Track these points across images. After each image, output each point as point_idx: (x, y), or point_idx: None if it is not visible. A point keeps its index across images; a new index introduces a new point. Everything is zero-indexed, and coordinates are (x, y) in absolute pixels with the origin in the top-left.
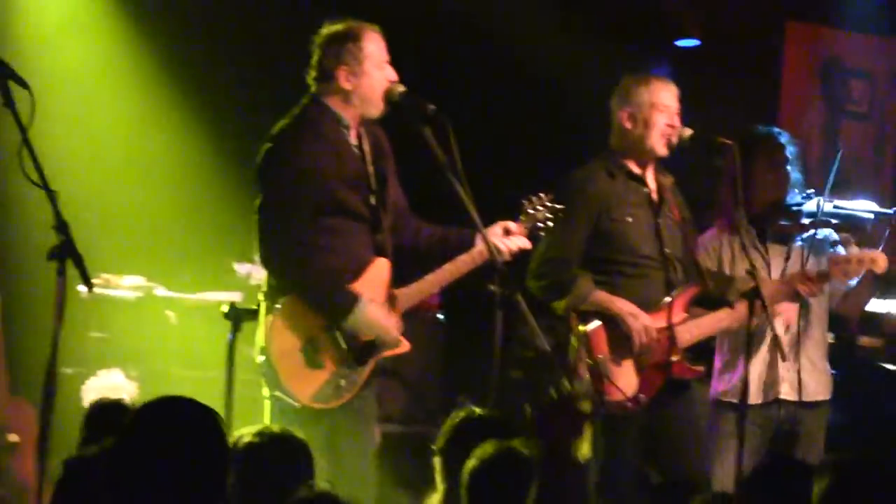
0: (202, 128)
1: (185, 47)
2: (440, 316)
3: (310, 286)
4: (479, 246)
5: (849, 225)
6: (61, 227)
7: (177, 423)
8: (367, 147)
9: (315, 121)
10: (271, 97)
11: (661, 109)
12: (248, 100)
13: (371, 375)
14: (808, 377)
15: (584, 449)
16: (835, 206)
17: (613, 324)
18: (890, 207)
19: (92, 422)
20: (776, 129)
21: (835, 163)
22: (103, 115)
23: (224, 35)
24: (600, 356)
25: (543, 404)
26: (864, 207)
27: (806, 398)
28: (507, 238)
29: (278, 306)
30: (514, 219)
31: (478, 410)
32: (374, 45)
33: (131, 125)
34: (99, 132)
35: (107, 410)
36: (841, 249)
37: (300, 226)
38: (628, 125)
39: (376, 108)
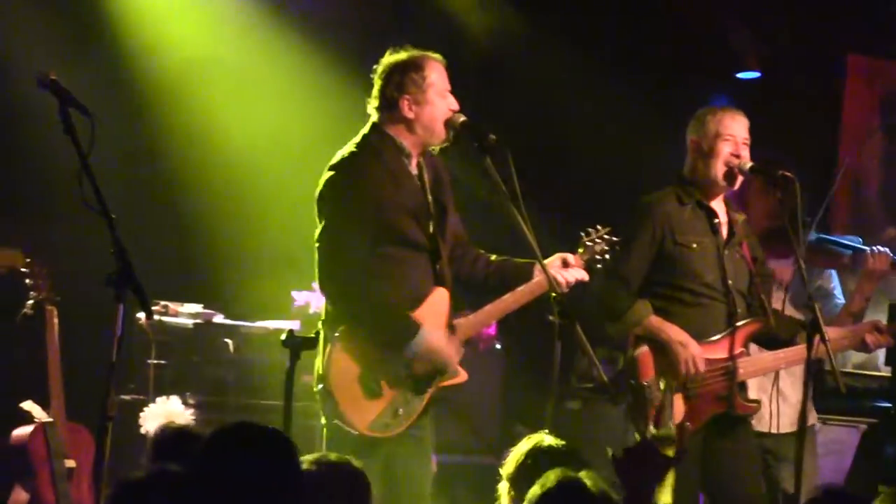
0: (257, 156)
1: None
2: (498, 346)
3: (370, 314)
4: (538, 277)
5: (827, 256)
6: (120, 253)
7: (252, 448)
8: (427, 176)
9: (377, 150)
10: (331, 127)
11: (726, 139)
12: (309, 128)
13: (428, 404)
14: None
15: (666, 496)
16: (819, 238)
17: (662, 350)
18: None
19: (158, 447)
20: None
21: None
22: (161, 141)
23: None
24: (646, 382)
25: (627, 448)
26: (848, 241)
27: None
28: (566, 270)
29: (337, 335)
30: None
31: (549, 440)
32: (436, 74)
33: (187, 153)
34: (156, 159)
35: (173, 437)
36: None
37: (360, 254)
38: (697, 154)
39: (438, 138)
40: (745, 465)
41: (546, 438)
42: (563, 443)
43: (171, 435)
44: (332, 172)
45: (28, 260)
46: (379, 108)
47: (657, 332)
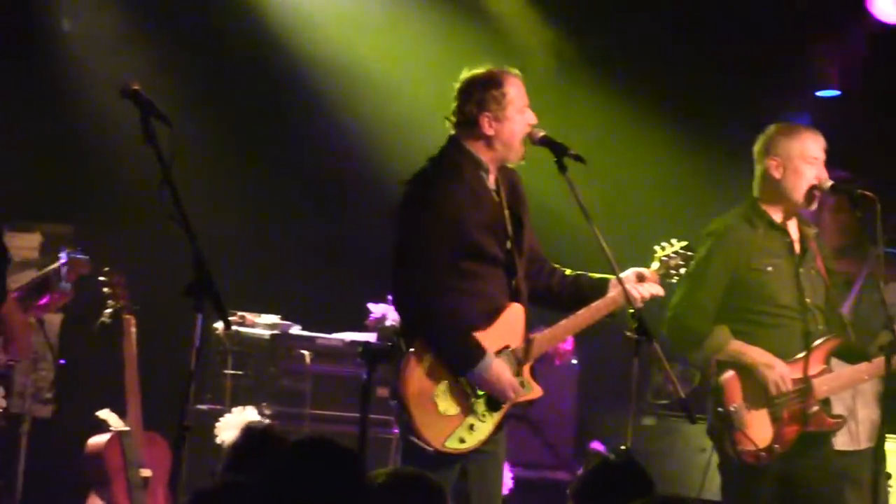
0: (335, 171)
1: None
2: (574, 361)
3: (438, 333)
4: (613, 292)
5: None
6: (199, 263)
7: (320, 464)
8: (504, 192)
9: (456, 165)
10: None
11: (810, 161)
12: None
13: (503, 420)
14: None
15: None
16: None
17: (748, 374)
18: None
19: (240, 449)
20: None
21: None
22: (240, 153)
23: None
24: (733, 407)
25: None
26: None
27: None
28: (641, 284)
29: (412, 349)
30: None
31: (614, 457)
32: (515, 90)
33: (268, 166)
34: (236, 171)
35: (257, 438)
36: None
37: (435, 270)
38: (776, 175)
39: (516, 153)
40: (829, 484)
41: (613, 455)
42: (630, 460)
43: (256, 436)
44: (410, 187)
45: (106, 269)
46: (458, 125)
47: (740, 357)
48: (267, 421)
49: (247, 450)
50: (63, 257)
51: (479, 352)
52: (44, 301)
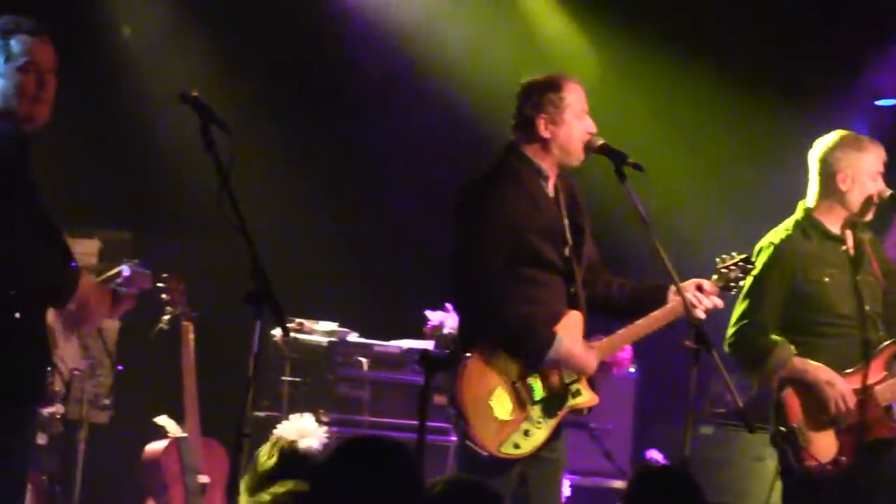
0: (393, 178)
1: None
2: (632, 370)
3: (505, 327)
4: (673, 303)
5: None
6: (259, 271)
7: (374, 463)
8: (562, 199)
9: (514, 170)
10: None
11: (874, 177)
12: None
13: (561, 427)
14: None
15: None
16: None
17: (809, 390)
18: None
19: (279, 465)
20: None
21: None
22: (290, 160)
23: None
24: (796, 424)
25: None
26: None
27: None
28: (701, 295)
29: (469, 354)
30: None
31: (663, 464)
32: (574, 96)
33: (328, 173)
34: (295, 178)
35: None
36: None
37: (495, 273)
38: (843, 187)
39: (575, 159)
40: (894, 489)
41: (655, 462)
42: (679, 467)
43: (285, 456)
44: (468, 192)
45: (164, 275)
46: (516, 128)
47: (802, 374)
48: (319, 437)
49: (276, 469)
50: (126, 271)
51: (549, 334)
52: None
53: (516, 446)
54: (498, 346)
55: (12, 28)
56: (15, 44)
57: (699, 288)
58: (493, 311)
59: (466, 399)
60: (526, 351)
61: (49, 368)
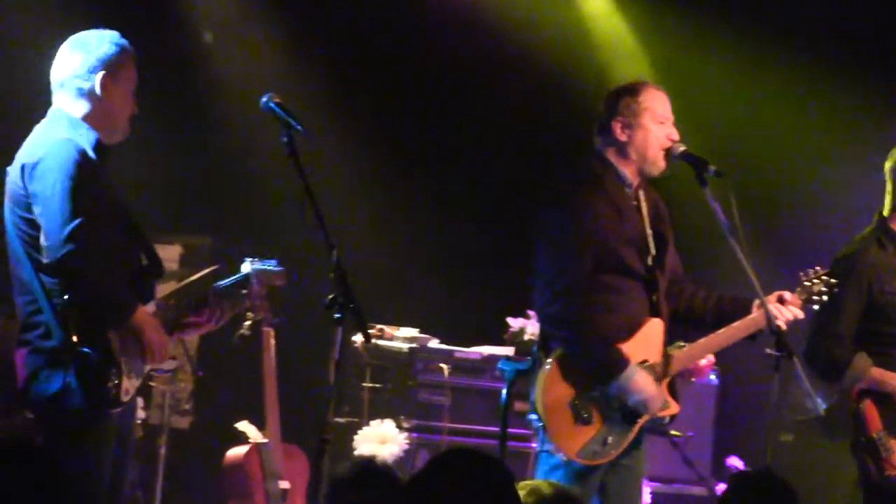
0: (473, 184)
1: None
2: (713, 377)
3: (582, 343)
4: (755, 314)
5: None
6: (341, 277)
7: (471, 477)
8: (646, 208)
9: (597, 175)
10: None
11: None
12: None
13: (640, 435)
14: None
15: None
16: None
17: (887, 400)
18: None
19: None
20: None
21: None
22: (372, 165)
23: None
24: (876, 434)
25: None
26: None
27: None
28: (783, 306)
29: (550, 359)
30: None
31: (761, 469)
32: (652, 101)
33: (403, 176)
34: (371, 182)
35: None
36: None
37: (578, 281)
38: None
39: (654, 165)
40: None
41: (738, 469)
42: (769, 474)
43: (363, 470)
44: (551, 198)
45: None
46: (597, 133)
47: (882, 385)
48: (399, 443)
49: (350, 483)
50: (247, 268)
51: (622, 361)
52: (201, 319)
53: (595, 454)
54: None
55: (116, 46)
56: (117, 62)
57: (781, 299)
58: (571, 323)
59: (546, 402)
60: (594, 371)
61: (115, 371)
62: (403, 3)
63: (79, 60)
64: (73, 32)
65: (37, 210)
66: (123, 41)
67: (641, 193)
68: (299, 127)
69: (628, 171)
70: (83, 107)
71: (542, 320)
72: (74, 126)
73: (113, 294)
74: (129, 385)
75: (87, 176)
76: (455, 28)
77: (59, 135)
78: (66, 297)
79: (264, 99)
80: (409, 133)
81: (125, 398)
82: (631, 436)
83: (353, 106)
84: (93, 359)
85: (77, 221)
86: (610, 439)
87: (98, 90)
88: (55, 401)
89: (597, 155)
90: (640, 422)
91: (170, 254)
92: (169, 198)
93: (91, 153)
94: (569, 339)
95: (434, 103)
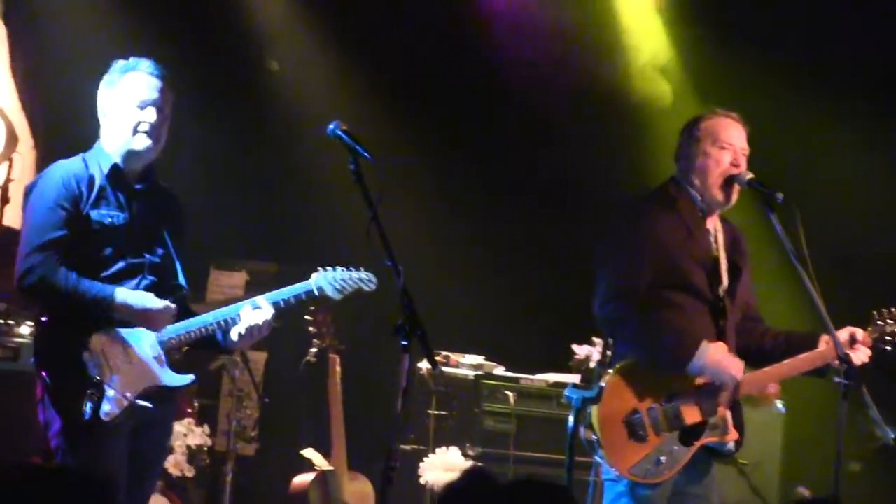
0: (540, 212)
1: None
2: (780, 404)
3: (650, 332)
4: (822, 348)
5: None
6: (407, 304)
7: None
8: (721, 238)
9: (671, 197)
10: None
11: None
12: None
13: (710, 462)
14: None
15: None
16: None
17: None
18: None
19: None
20: None
21: None
22: (438, 192)
23: None
24: None
25: None
26: None
27: None
28: (853, 349)
29: (610, 371)
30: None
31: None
32: (715, 126)
33: (470, 204)
34: (438, 208)
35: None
36: None
37: (638, 285)
38: None
39: (715, 190)
40: None
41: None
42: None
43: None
44: (621, 212)
45: (312, 308)
46: (674, 159)
47: None
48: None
49: (462, 492)
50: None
51: (695, 339)
52: None
53: (647, 472)
54: (641, 362)
55: (122, 67)
56: (116, 78)
57: (852, 338)
58: (637, 320)
59: (602, 415)
60: (671, 356)
61: (90, 391)
62: (470, 30)
63: (103, 92)
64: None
65: None
66: (135, 62)
67: (718, 222)
68: (367, 154)
69: (701, 199)
70: (103, 131)
71: (599, 322)
72: (96, 152)
73: (85, 296)
74: (115, 405)
75: (73, 197)
76: (526, 52)
77: (63, 161)
78: (42, 319)
79: (331, 126)
80: (476, 159)
81: (106, 418)
82: (686, 458)
83: (419, 132)
84: (59, 380)
85: (36, 250)
86: (664, 459)
87: (102, 110)
88: (45, 424)
89: (673, 179)
90: (697, 445)
91: (235, 280)
92: (234, 225)
93: (102, 178)
94: (634, 333)
95: (503, 130)
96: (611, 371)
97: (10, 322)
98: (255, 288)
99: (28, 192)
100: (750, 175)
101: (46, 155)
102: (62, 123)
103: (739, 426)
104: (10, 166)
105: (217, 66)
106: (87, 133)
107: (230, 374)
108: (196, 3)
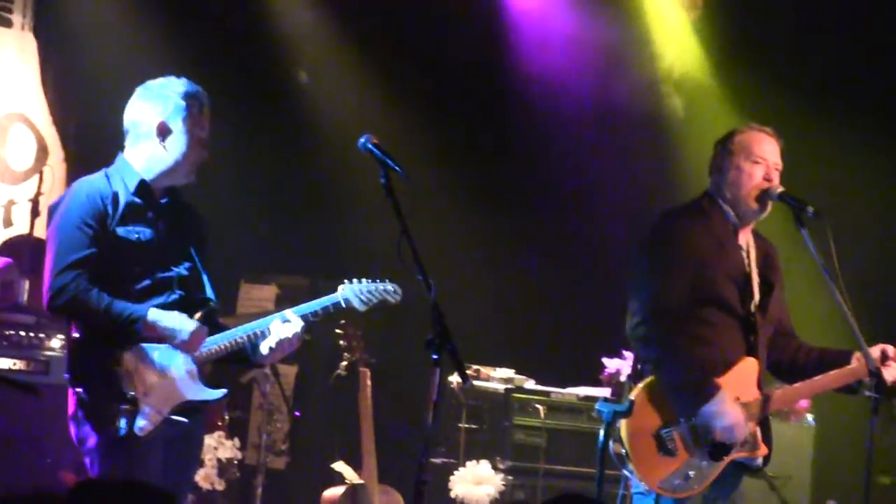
0: (570, 225)
1: None
2: (810, 418)
3: (675, 363)
4: (854, 365)
5: None
6: (438, 318)
7: None
8: (754, 253)
9: (704, 210)
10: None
11: None
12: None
13: (740, 476)
14: None
15: None
16: None
17: None
18: None
19: None
20: None
21: None
22: (468, 206)
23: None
24: None
25: None
26: None
27: None
28: (886, 366)
29: (640, 385)
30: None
31: None
32: (749, 140)
33: (499, 217)
34: (468, 222)
35: None
36: None
37: (673, 304)
38: None
39: (747, 204)
40: None
41: None
42: None
43: None
44: (655, 226)
45: (342, 322)
46: (709, 173)
47: None
48: (495, 484)
49: None
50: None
51: (714, 387)
52: None
53: (676, 487)
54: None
55: (179, 94)
56: (177, 108)
57: (884, 354)
58: (665, 344)
59: (631, 427)
60: (683, 395)
61: (124, 406)
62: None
63: (141, 107)
64: (174, 73)
65: None
66: (191, 87)
67: (751, 237)
68: (399, 169)
69: (734, 213)
70: (138, 150)
71: (633, 340)
72: (119, 167)
73: (118, 316)
74: (149, 421)
75: (98, 214)
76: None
77: (86, 178)
78: (75, 335)
79: (362, 140)
80: (506, 173)
81: (140, 433)
82: (715, 473)
83: (449, 144)
84: (94, 396)
85: (66, 269)
86: (692, 474)
87: (155, 135)
88: (78, 440)
89: (706, 193)
90: (727, 459)
91: (265, 294)
92: (265, 238)
93: (129, 194)
94: (661, 359)
95: (534, 143)
96: (641, 385)
97: (42, 335)
98: (285, 302)
99: (52, 210)
100: (781, 189)
101: (77, 168)
102: (93, 136)
103: (769, 441)
104: (41, 179)
105: (248, 78)
106: (117, 146)
107: (261, 387)
108: (226, 16)
